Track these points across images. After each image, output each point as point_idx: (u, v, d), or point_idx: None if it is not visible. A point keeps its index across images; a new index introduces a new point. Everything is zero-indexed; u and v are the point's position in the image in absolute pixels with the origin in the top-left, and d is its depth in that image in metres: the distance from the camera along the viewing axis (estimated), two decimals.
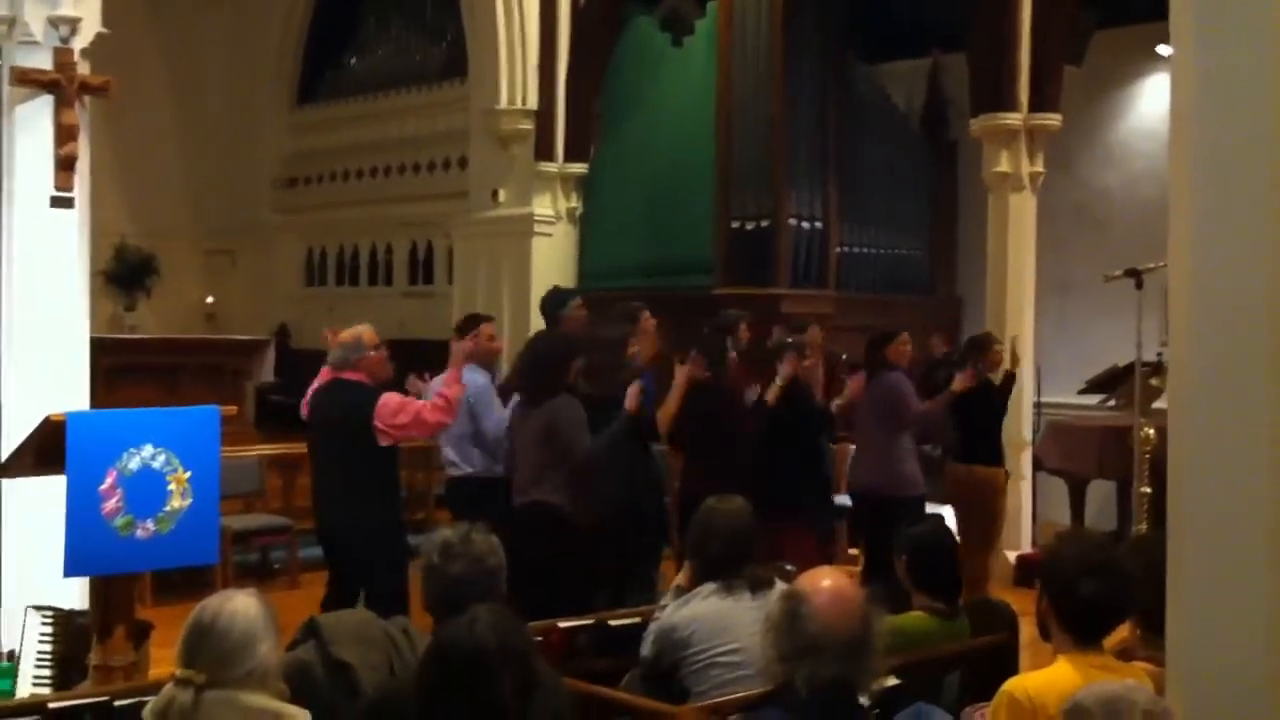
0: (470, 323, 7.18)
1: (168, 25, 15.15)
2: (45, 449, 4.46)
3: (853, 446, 8.06)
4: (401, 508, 6.48)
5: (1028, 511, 9.50)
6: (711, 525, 4.33)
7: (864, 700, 3.03)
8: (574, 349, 6.46)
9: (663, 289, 10.92)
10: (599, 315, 7.89)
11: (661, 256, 11.34)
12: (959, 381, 7.52)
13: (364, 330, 6.24)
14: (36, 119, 6.14)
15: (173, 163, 15.47)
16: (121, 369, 10.71)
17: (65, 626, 4.97)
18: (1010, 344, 8.27)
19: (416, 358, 7.21)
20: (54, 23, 6.12)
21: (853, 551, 8.25)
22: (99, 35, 6.31)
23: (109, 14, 6.38)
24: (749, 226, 10.80)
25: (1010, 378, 8.12)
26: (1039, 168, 9.52)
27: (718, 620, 4.14)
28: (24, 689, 4.83)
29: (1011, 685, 3.12)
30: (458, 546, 3.47)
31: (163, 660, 3.94)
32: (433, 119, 13.95)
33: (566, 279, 11.51)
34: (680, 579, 4.46)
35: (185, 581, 7.45)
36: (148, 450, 4.46)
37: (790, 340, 7.50)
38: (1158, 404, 7.52)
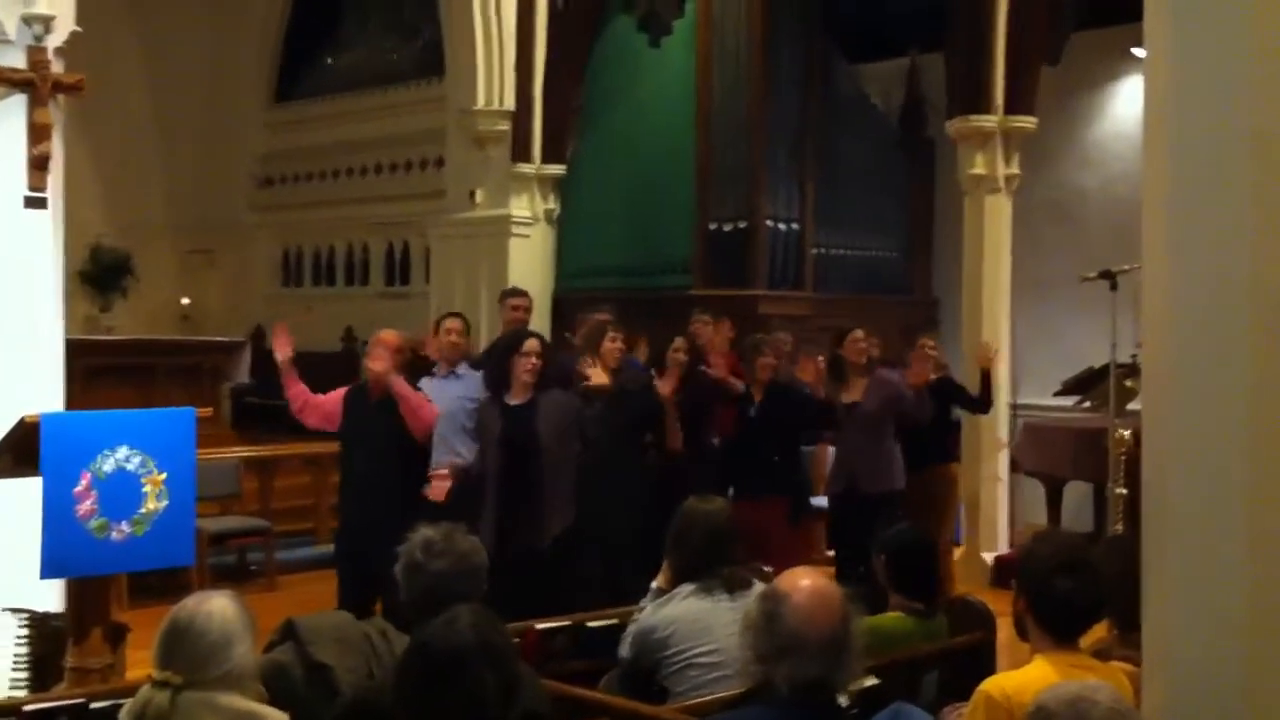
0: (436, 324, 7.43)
1: (144, 23, 15.05)
2: (20, 450, 4.44)
3: (831, 449, 8.09)
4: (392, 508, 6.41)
5: (1004, 513, 9.54)
6: (690, 525, 4.34)
7: (843, 700, 3.03)
8: (513, 346, 6.52)
9: (640, 290, 10.94)
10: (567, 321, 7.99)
11: (639, 257, 11.35)
12: (911, 375, 7.63)
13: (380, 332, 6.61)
14: (10, 118, 6.08)
15: (149, 162, 15.37)
16: (97, 370, 10.65)
17: (41, 629, 4.94)
18: (981, 349, 8.67)
19: None
20: (27, 21, 6.06)
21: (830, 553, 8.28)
22: (73, 34, 6.25)
23: (84, 12, 6.33)
24: (726, 228, 10.82)
25: (986, 380, 8.51)
26: (1015, 169, 9.56)
27: (696, 621, 4.14)
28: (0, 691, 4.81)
29: (989, 685, 3.13)
30: (441, 544, 3.47)
31: (139, 662, 3.94)
32: (410, 119, 13.92)
33: (544, 280, 11.52)
34: (659, 580, 4.46)
35: (161, 584, 7.40)
36: (122, 452, 4.45)
37: (761, 337, 7.59)
38: (1132, 405, 7.57)
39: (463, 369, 7.10)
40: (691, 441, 7.15)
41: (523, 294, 8.20)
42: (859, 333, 7.61)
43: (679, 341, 7.19)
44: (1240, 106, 2.69)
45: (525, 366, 6.37)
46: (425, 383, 7.04)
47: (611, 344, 6.87)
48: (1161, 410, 2.84)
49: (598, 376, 6.77)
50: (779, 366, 7.57)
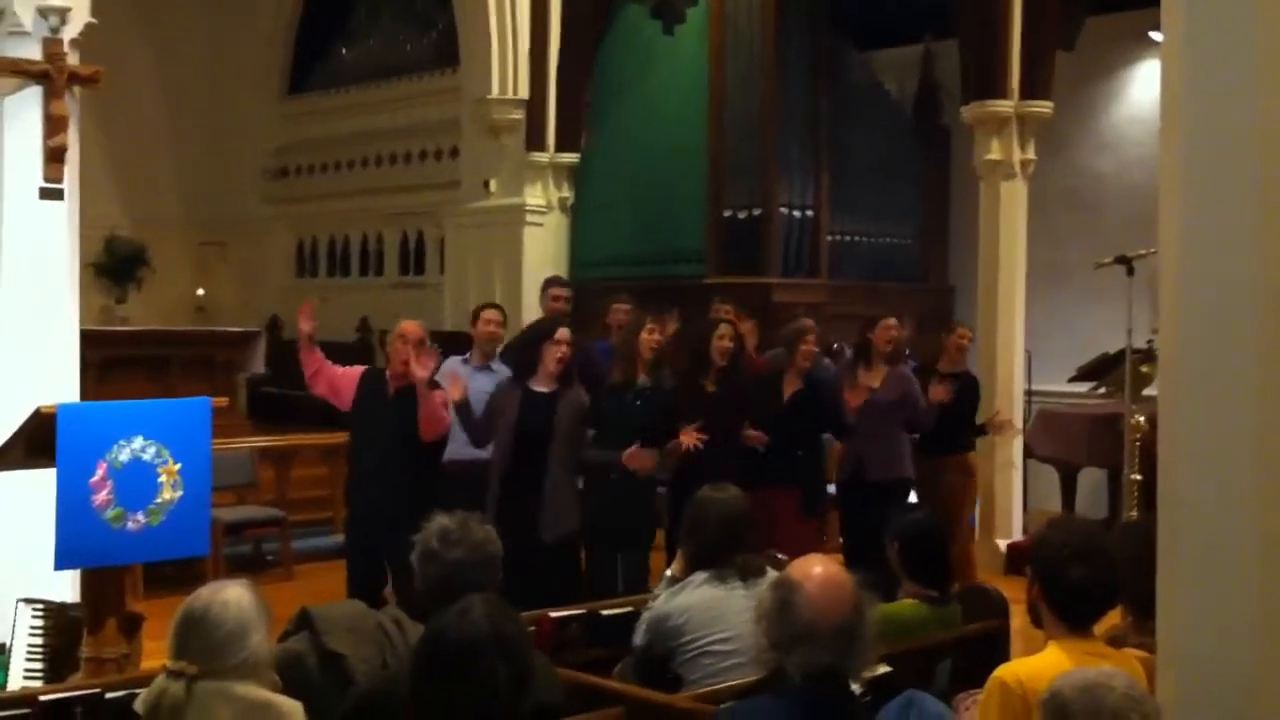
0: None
1: (158, 15, 15.07)
2: (36, 441, 4.45)
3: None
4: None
5: (1018, 500, 9.52)
6: (705, 514, 4.34)
7: (856, 688, 3.03)
8: (547, 332, 6.50)
9: (654, 278, 10.93)
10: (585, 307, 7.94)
11: (653, 246, 11.33)
12: (935, 393, 7.61)
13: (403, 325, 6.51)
14: (26, 110, 6.11)
15: (163, 154, 15.40)
16: (112, 362, 10.66)
17: (57, 619, 4.97)
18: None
19: None
20: (43, 13, 6.09)
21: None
22: (88, 25, 6.28)
23: (98, 4, 6.36)
24: (740, 215, 10.80)
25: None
26: (1030, 155, 9.53)
27: (710, 609, 4.14)
28: (15, 682, 4.84)
29: (1003, 672, 3.12)
30: (457, 533, 3.47)
31: (154, 652, 3.95)
32: (424, 109, 13.91)
33: (558, 269, 11.50)
34: (673, 568, 4.46)
35: (177, 574, 7.44)
36: (138, 442, 4.46)
37: (803, 324, 7.54)
38: (1148, 391, 7.55)
39: (496, 364, 7.09)
40: (717, 434, 7.03)
41: (565, 284, 8.25)
42: (892, 320, 7.58)
43: (724, 329, 7.10)
44: (1253, 99, 2.68)
45: (556, 355, 6.35)
46: (456, 364, 7.01)
47: (649, 335, 6.84)
48: (1176, 403, 2.83)
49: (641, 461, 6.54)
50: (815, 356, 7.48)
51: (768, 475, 6.92)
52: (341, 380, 6.56)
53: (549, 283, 8.34)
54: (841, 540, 7.77)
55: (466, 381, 6.75)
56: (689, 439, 6.50)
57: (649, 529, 6.81)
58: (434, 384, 6.44)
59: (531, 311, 8.13)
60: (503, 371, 6.96)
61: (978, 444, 8.85)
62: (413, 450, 6.35)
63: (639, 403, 6.66)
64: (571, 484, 6.45)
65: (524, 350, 6.61)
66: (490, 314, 7.26)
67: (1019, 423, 9.54)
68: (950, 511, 8.13)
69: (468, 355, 7.20)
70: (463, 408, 6.45)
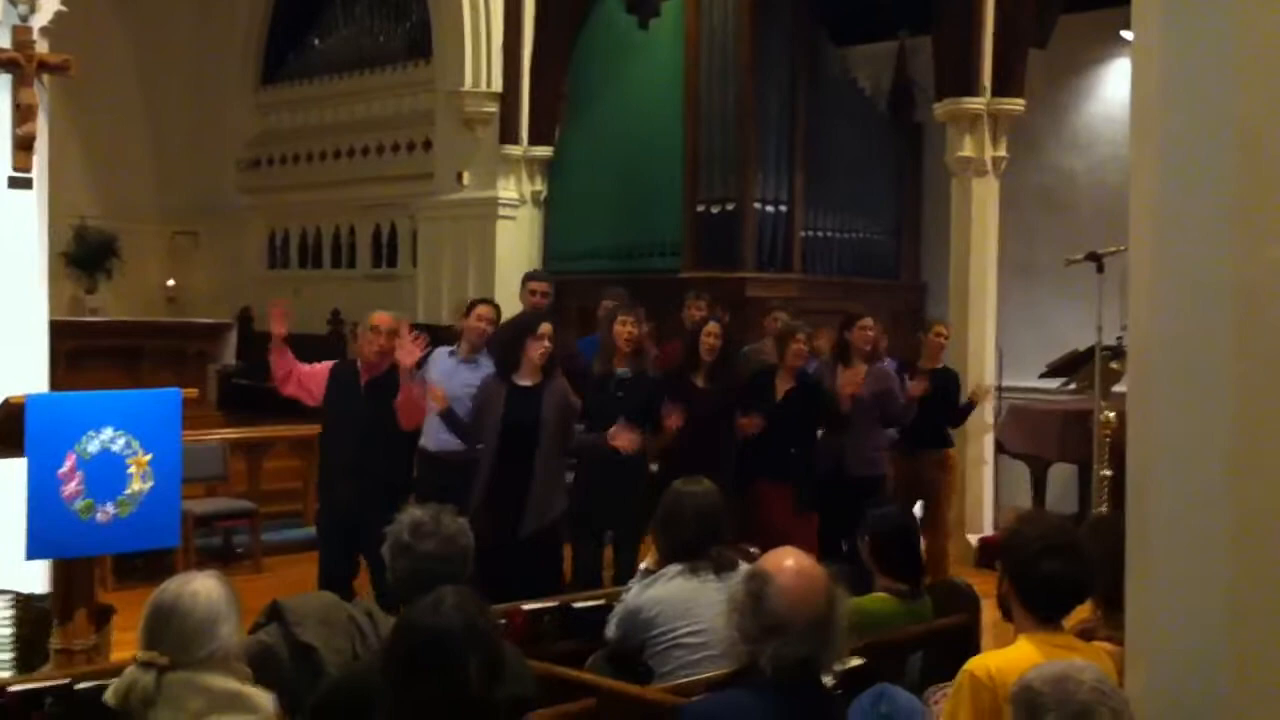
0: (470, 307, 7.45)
1: (131, 3, 14.98)
2: (4, 432, 4.42)
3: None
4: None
5: (989, 495, 9.56)
6: (679, 507, 4.34)
7: (827, 680, 3.04)
8: (528, 327, 6.50)
9: (629, 272, 10.92)
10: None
11: (627, 240, 11.33)
12: (913, 388, 7.65)
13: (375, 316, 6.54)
14: None
15: (136, 143, 15.30)
16: (82, 352, 10.62)
17: (26, 610, 4.94)
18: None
19: None
20: (12, 0, 6.04)
21: None
22: (59, 13, 6.23)
23: None
24: (715, 210, 10.80)
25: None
26: (1002, 152, 9.56)
27: (683, 601, 4.15)
28: None
29: (973, 665, 3.14)
30: (429, 525, 3.47)
31: (124, 643, 3.93)
32: (397, 101, 13.88)
33: (531, 262, 11.51)
34: (648, 561, 4.46)
35: (146, 565, 7.42)
36: (108, 433, 4.43)
37: (795, 323, 7.56)
38: (1118, 387, 7.60)
39: (483, 358, 7.09)
40: (706, 428, 7.03)
41: (544, 278, 8.22)
42: (868, 320, 7.62)
43: (712, 326, 7.12)
44: (1224, 97, 2.69)
45: (539, 349, 6.35)
46: (444, 360, 7.00)
47: (622, 327, 6.83)
48: (1145, 398, 2.84)
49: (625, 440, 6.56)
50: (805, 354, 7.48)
51: (759, 469, 6.95)
52: (310, 378, 6.55)
53: (529, 277, 8.31)
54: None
55: (451, 375, 6.75)
56: (674, 421, 6.54)
57: (637, 520, 6.83)
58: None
59: (508, 306, 8.09)
60: (489, 365, 6.96)
61: (954, 437, 8.90)
62: (386, 441, 6.35)
63: (620, 393, 6.69)
64: (558, 476, 6.45)
65: (506, 346, 6.59)
66: (483, 310, 7.25)
67: (989, 419, 9.59)
68: (931, 507, 8.21)
69: (455, 348, 7.18)
70: (447, 415, 6.46)
